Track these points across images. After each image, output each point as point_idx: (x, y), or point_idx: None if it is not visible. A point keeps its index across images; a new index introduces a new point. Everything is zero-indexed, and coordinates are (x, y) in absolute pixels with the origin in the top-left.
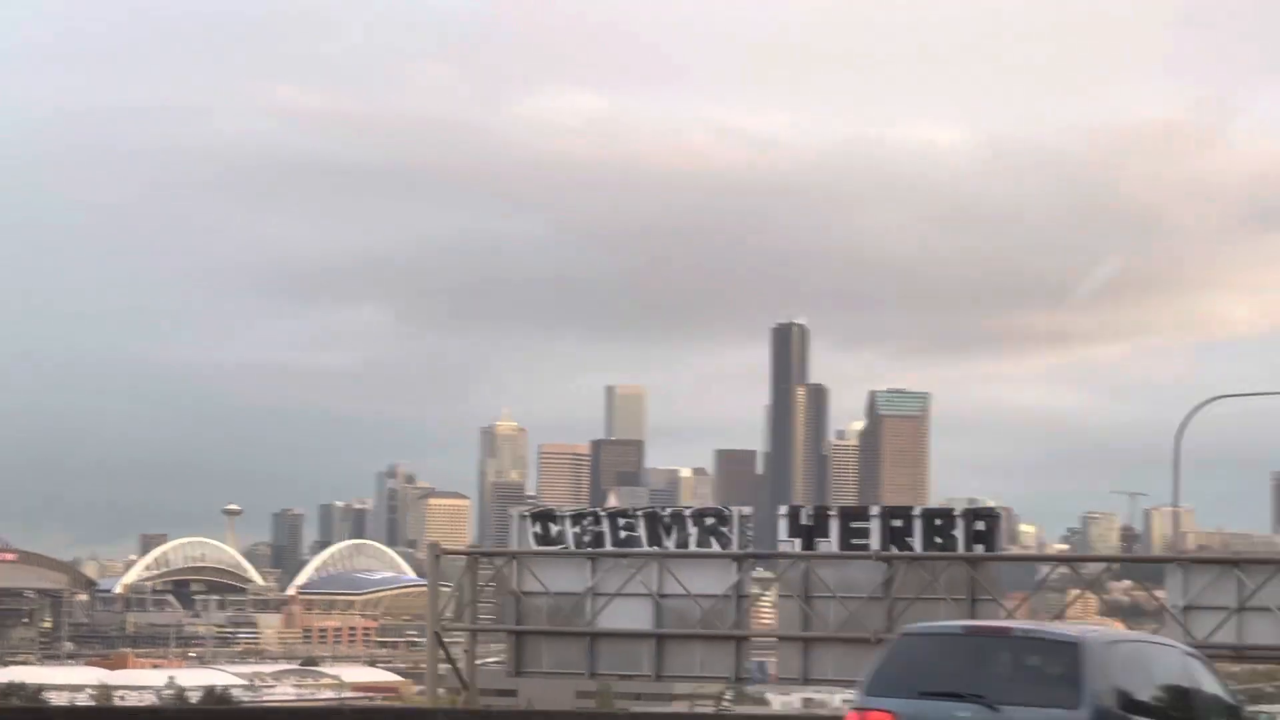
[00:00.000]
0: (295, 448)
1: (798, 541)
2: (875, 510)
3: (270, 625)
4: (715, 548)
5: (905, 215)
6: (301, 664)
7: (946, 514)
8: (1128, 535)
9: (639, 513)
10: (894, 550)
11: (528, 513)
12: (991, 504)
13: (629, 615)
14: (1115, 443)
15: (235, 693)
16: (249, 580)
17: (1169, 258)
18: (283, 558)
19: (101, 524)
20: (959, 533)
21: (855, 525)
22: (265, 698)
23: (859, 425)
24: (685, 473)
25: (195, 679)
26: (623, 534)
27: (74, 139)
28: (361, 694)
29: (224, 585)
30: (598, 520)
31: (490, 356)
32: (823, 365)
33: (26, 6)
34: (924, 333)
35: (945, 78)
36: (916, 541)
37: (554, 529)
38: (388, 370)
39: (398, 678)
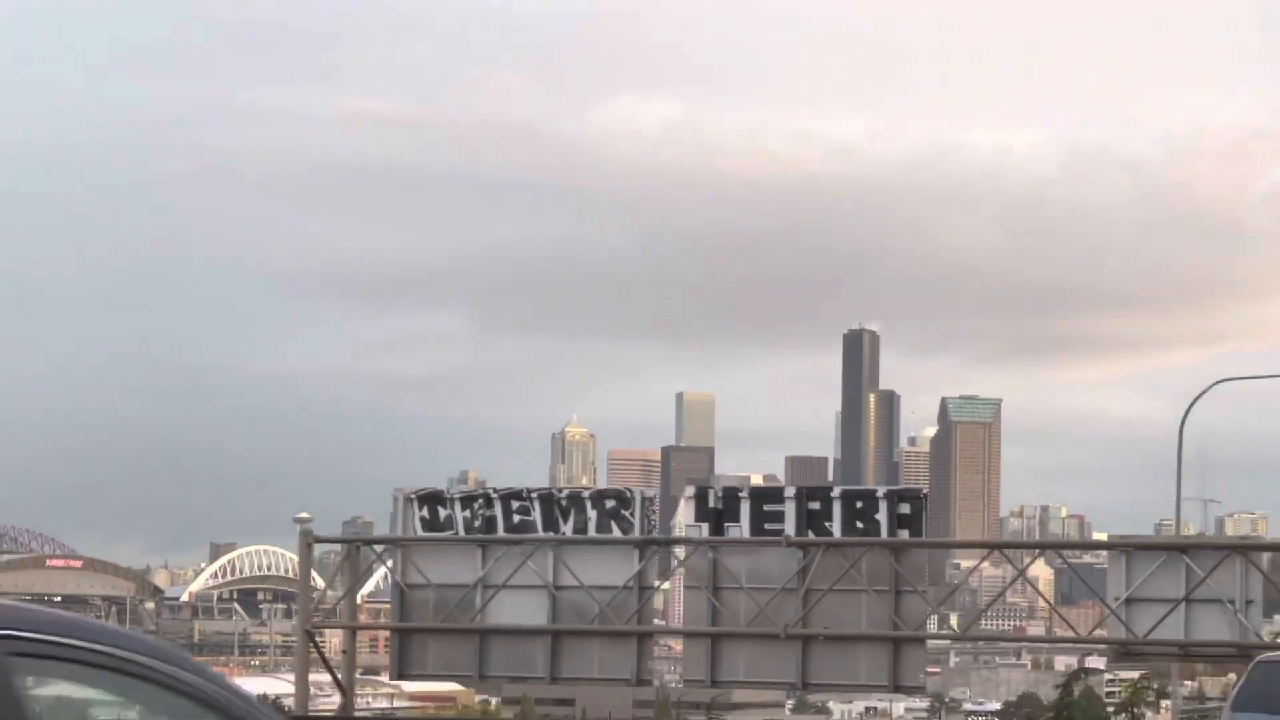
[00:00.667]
0: (367, 454)
1: (705, 526)
2: (790, 491)
3: (336, 634)
4: (616, 533)
5: (981, 220)
6: (362, 673)
7: (869, 495)
8: None
9: (534, 494)
10: (811, 535)
11: (414, 494)
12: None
13: (521, 610)
14: (1193, 450)
15: (286, 702)
16: (315, 588)
17: (1247, 265)
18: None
19: (175, 532)
20: (882, 516)
21: (769, 509)
22: (319, 707)
23: (931, 431)
24: (756, 479)
25: (251, 687)
26: (516, 518)
27: (159, 146)
28: (417, 703)
29: (291, 594)
30: (489, 503)
31: (562, 362)
32: (895, 372)
33: (125, 14)
34: (998, 338)
35: (1022, 81)
36: (836, 526)
37: (443, 513)
38: (461, 376)
39: (459, 687)
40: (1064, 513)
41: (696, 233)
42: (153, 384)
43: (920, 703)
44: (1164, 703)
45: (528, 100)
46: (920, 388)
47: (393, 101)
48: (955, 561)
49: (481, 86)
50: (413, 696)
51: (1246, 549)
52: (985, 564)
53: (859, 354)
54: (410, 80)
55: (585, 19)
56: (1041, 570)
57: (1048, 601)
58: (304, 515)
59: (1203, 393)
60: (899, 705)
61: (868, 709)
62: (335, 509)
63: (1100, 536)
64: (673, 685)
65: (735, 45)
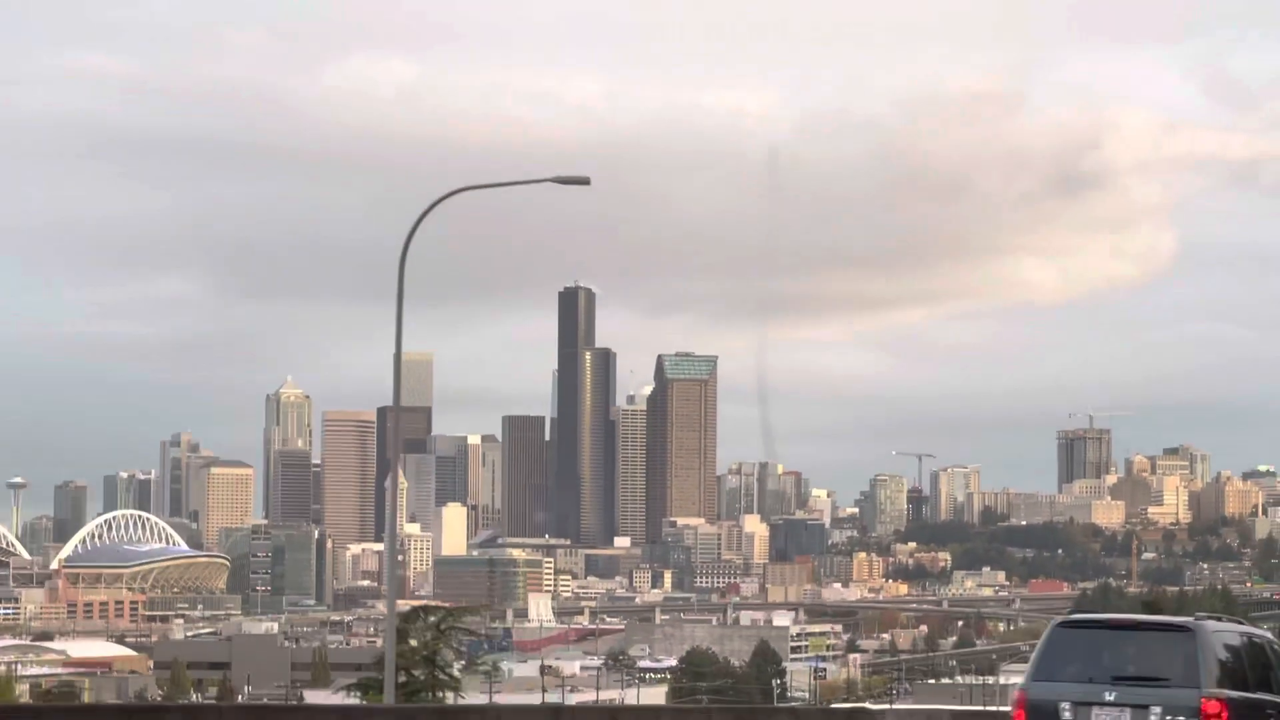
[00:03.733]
0: (81, 418)
1: None
2: None
3: (33, 600)
4: None
5: (714, 182)
6: (34, 639)
7: None
8: (915, 496)
9: None
10: None
11: None
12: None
13: None
14: (913, 407)
15: None
16: (12, 553)
17: (975, 224)
18: (66, 531)
19: None
20: None
21: None
22: None
23: (648, 390)
24: (474, 440)
25: None
26: None
27: None
28: (77, 669)
29: None
30: None
31: (282, 325)
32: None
33: None
34: (724, 299)
35: (757, 45)
36: None
37: None
38: (182, 341)
39: (132, 654)
40: (780, 470)
41: (430, 196)
42: None
43: (594, 660)
44: (853, 656)
45: (263, 60)
46: (642, 347)
47: (124, 60)
48: (671, 520)
49: (219, 45)
50: (74, 662)
51: None
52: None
53: (574, 312)
54: (144, 38)
55: None
56: (757, 527)
57: None
58: (18, 480)
59: (436, 203)
60: (574, 664)
61: (541, 667)
62: (50, 475)
63: (819, 493)
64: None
65: (474, 6)
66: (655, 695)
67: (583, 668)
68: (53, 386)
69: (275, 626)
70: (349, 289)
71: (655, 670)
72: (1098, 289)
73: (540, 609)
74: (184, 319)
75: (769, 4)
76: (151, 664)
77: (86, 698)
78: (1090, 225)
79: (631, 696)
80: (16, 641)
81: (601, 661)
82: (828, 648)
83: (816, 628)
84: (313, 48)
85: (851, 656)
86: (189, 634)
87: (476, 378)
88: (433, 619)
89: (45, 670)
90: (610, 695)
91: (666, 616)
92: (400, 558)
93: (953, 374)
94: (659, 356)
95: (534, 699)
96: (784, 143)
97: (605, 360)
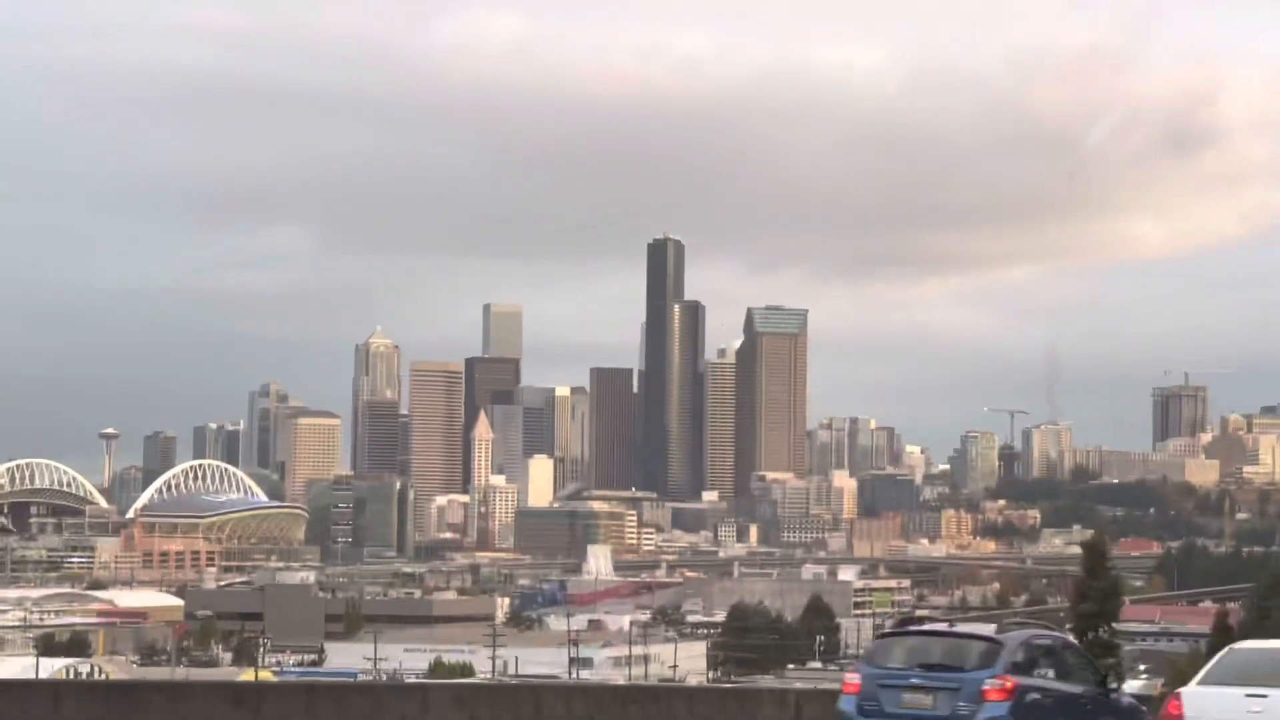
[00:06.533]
0: (174, 369)
1: None
2: None
3: (109, 548)
4: None
5: (822, 137)
6: (87, 587)
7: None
8: (1006, 454)
9: None
10: None
11: None
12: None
13: None
14: (1012, 364)
15: None
16: (90, 501)
17: (1084, 181)
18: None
19: None
20: None
21: None
22: None
23: (737, 343)
24: (563, 391)
25: None
26: None
27: None
28: (106, 620)
29: (65, 508)
30: None
31: (374, 276)
32: (710, 287)
33: None
34: (829, 254)
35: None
36: None
37: None
38: (280, 294)
39: (176, 602)
40: (873, 424)
41: (540, 151)
42: None
43: (643, 615)
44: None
45: (373, 14)
46: (735, 301)
47: (234, 13)
48: (760, 474)
49: None
50: (110, 612)
51: None
52: (790, 476)
53: (663, 264)
54: None
55: None
56: (846, 483)
57: None
58: (110, 431)
59: None
60: (624, 619)
61: (590, 621)
62: (141, 425)
63: (912, 449)
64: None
65: None
66: (697, 650)
67: (631, 621)
68: (149, 338)
69: (311, 576)
70: (450, 241)
71: (706, 625)
72: (1206, 246)
73: (599, 561)
74: (281, 272)
75: None
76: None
77: (99, 648)
78: (1202, 183)
79: (669, 654)
80: (64, 590)
81: (649, 616)
82: (892, 603)
83: (880, 583)
84: (423, 1)
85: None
86: (220, 584)
87: (567, 330)
88: None
89: (77, 620)
90: (654, 649)
91: (746, 570)
92: (484, 509)
93: (1053, 331)
94: (749, 309)
95: (560, 655)
96: (893, 99)
97: (694, 313)
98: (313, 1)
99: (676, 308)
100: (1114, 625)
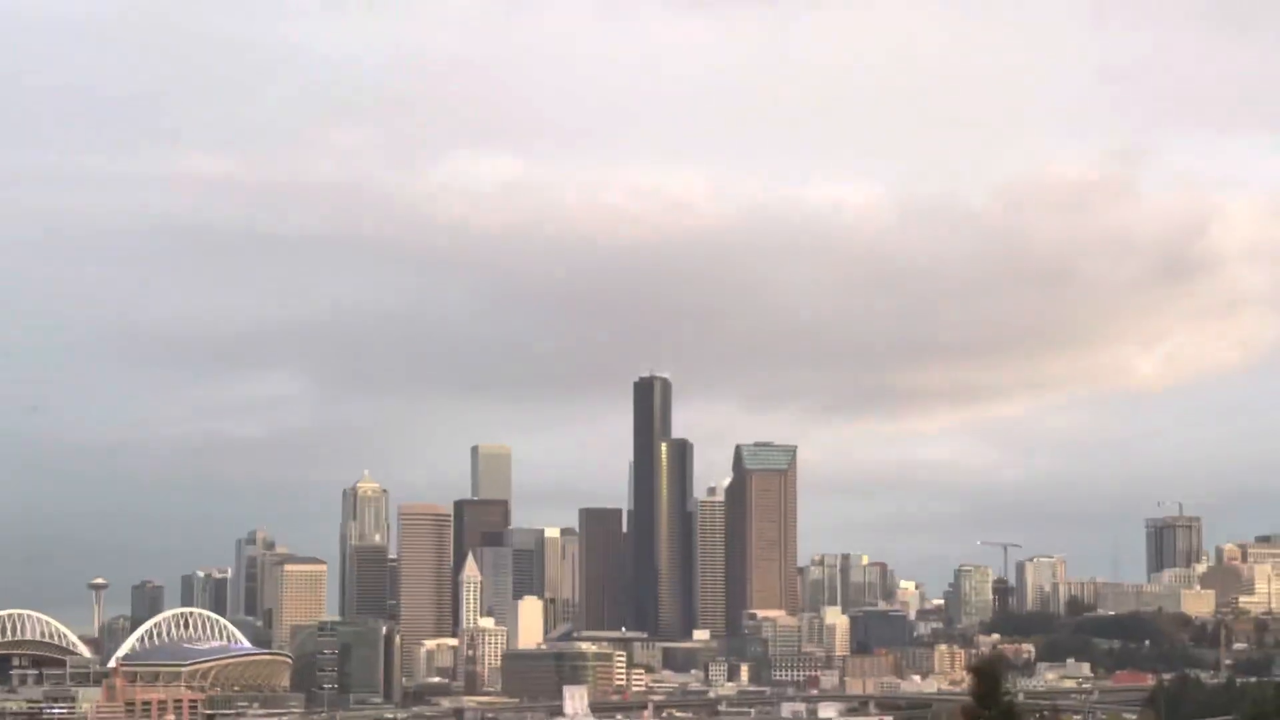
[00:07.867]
0: (161, 518)
1: None
2: None
3: (90, 699)
4: None
5: (816, 273)
6: None
7: None
8: (1000, 588)
9: None
10: None
11: None
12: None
13: None
14: (1006, 497)
15: None
16: (71, 652)
17: (1077, 312)
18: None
19: None
20: None
21: None
22: None
23: (726, 481)
24: (552, 532)
25: None
26: None
27: None
28: None
29: (47, 659)
30: None
31: (362, 420)
32: (696, 424)
33: None
34: (821, 392)
35: (857, 135)
36: None
37: None
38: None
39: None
40: (865, 560)
41: (530, 290)
42: None
43: None
44: None
45: (364, 157)
46: (722, 440)
47: (223, 159)
48: (751, 612)
49: (320, 144)
50: None
51: None
52: (781, 613)
53: (649, 403)
54: (243, 138)
55: (420, 78)
56: (838, 619)
57: None
58: (99, 581)
59: None
60: None
61: None
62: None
63: (906, 584)
64: None
65: (575, 100)
66: None
67: None
68: (138, 487)
69: None
70: (439, 382)
71: None
72: (1201, 376)
73: (576, 702)
74: (272, 418)
75: (872, 95)
76: None
77: None
78: (1196, 312)
79: None
80: None
81: None
82: None
83: (859, 719)
84: (415, 144)
85: None
86: None
87: (556, 470)
88: None
89: None
90: None
91: (735, 709)
92: (471, 652)
93: (1048, 464)
94: (737, 446)
95: None
96: (884, 234)
97: (682, 451)
98: (302, 146)
99: (664, 446)
100: None
